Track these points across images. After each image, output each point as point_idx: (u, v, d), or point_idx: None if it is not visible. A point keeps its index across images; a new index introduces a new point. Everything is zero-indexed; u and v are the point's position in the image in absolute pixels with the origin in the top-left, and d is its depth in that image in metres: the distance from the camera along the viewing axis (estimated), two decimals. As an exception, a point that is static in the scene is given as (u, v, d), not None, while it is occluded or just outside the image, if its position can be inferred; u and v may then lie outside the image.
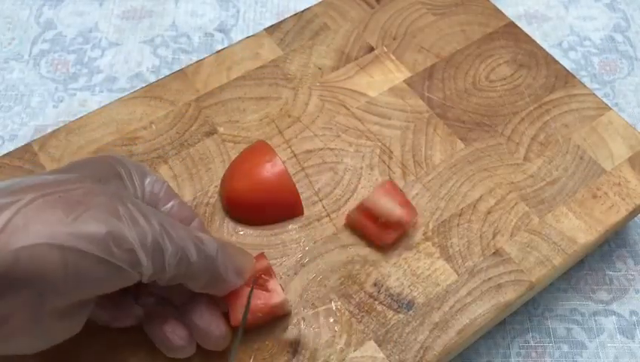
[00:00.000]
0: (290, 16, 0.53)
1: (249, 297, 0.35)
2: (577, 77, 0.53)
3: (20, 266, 0.25)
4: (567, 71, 0.50)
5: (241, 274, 0.35)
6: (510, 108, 0.48)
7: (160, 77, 0.53)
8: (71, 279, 0.27)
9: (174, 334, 0.34)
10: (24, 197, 0.27)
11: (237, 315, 0.35)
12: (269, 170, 0.41)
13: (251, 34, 0.53)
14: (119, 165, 0.34)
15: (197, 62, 0.50)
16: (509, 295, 0.40)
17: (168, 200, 0.36)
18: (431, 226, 0.42)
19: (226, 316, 0.35)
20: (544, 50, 0.52)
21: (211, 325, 0.34)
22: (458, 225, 0.42)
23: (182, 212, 0.36)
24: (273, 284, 0.36)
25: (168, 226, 0.30)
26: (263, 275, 0.36)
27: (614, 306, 0.47)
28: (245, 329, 0.35)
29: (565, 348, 0.46)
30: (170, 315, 0.35)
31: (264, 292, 0.36)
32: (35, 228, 0.26)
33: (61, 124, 0.47)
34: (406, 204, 0.41)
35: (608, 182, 0.45)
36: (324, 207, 0.43)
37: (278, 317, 0.38)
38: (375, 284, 0.40)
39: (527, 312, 0.47)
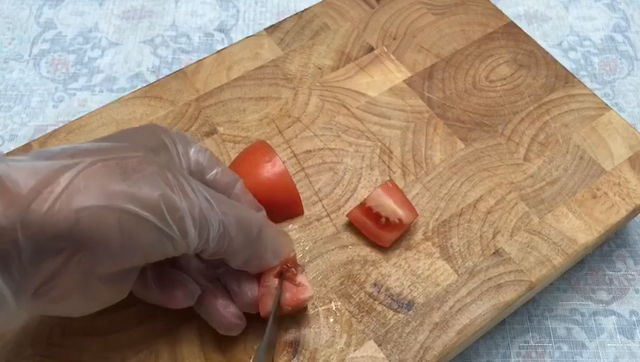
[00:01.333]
0: (290, 16, 0.53)
1: (279, 290, 0.36)
2: (577, 77, 0.53)
3: (80, 226, 0.26)
4: (567, 71, 0.50)
5: (279, 255, 0.36)
6: (510, 108, 0.48)
7: (160, 77, 0.53)
8: (125, 243, 0.28)
9: (229, 312, 0.35)
10: (84, 160, 0.28)
11: (267, 307, 0.35)
12: (269, 170, 0.41)
13: (251, 34, 0.53)
14: (165, 135, 0.35)
15: (197, 62, 0.50)
16: (509, 295, 0.40)
17: (212, 167, 0.37)
18: (431, 226, 0.42)
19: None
20: (544, 50, 0.52)
21: (245, 288, 0.36)
22: (458, 225, 0.42)
23: (225, 177, 0.37)
24: (301, 278, 0.37)
25: (213, 201, 0.31)
26: (292, 268, 0.37)
27: (614, 306, 0.47)
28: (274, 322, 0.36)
29: (565, 348, 0.46)
30: (221, 294, 0.36)
31: (293, 286, 0.36)
32: (95, 190, 0.27)
33: (61, 124, 0.47)
34: (406, 204, 0.41)
35: (608, 182, 0.45)
36: (324, 207, 0.43)
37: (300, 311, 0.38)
38: (375, 284, 0.40)
39: (527, 312, 0.47)
